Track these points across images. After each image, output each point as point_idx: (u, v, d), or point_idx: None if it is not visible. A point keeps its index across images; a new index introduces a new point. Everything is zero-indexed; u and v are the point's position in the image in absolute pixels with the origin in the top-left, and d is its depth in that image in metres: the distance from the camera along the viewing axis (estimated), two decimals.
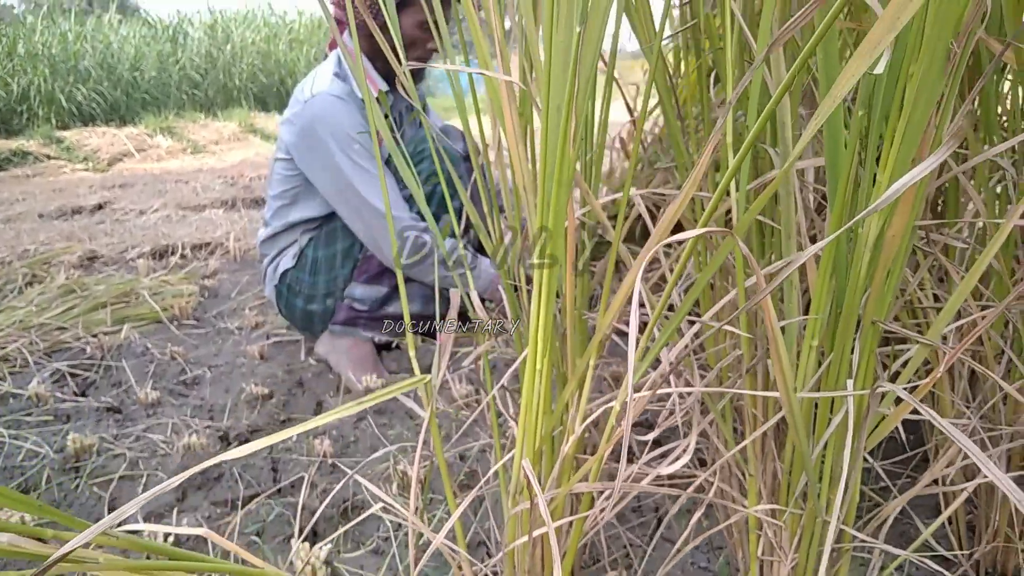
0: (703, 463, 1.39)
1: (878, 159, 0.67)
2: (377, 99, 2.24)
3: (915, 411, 0.77)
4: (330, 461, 1.68)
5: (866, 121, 0.65)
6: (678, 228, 1.46)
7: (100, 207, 5.13)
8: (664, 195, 1.00)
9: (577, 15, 0.60)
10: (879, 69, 0.48)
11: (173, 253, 3.66)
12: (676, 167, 0.99)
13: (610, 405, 0.76)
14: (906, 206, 0.64)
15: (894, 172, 0.62)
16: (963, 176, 0.83)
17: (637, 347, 0.72)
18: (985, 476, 0.95)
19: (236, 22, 12.74)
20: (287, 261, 2.33)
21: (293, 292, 2.33)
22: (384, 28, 2.15)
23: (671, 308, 1.05)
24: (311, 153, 2.16)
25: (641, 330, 0.80)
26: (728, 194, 0.86)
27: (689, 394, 0.85)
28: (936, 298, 1.06)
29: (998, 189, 1.11)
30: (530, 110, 0.89)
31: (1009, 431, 0.90)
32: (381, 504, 0.85)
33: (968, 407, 1.07)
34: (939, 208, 1.25)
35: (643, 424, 1.65)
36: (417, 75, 2.35)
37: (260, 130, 9.66)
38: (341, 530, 1.14)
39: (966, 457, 1.01)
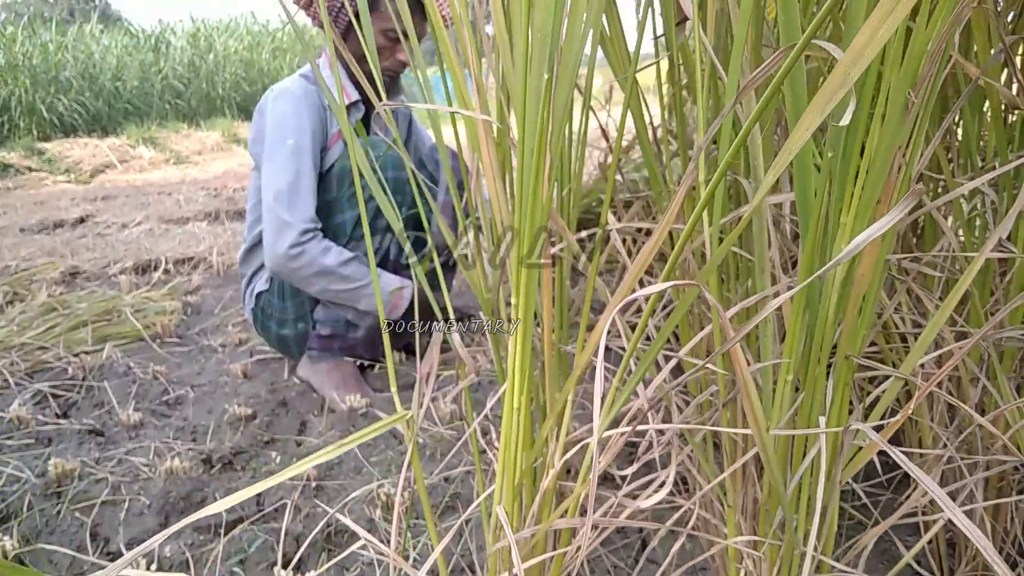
0: (685, 482, 1.39)
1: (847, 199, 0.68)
2: (349, 107, 2.19)
3: (893, 439, 0.78)
4: (314, 484, 1.67)
5: (836, 162, 0.66)
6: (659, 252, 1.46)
7: (82, 220, 5.10)
8: (641, 229, 1.00)
9: (547, 62, 0.60)
10: (845, 121, 0.49)
11: (156, 268, 3.64)
12: (653, 195, 1.00)
13: (588, 440, 0.76)
14: (873, 247, 0.65)
15: (858, 215, 0.63)
16: (936, 212, 0.84)
17: (614, 378, 0.72)
18: (963, 505, 0.96)
19: (219, 31, 12.71)
20: (261, 283, 2.30)
21: (267, 315, 2.30)
22: (347, 36, 2.10)
23: (648, 339, 1.06)
24: (257, 146, 2.17)
25: (618, 361, 0.80)
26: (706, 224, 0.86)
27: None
28: (914, 323, 1.06)
29: (979, 205, 1.12)
30: (508, 142, 0.89)
31: (984, 459, 0.91)
32: (362, 541, 0.85)
33: (947, 429, 1.08)
34: (919, 230, 1.26)
35: (628, 445, 1.65)
36: (391, 86, 2.29)
37: (243, 140, 9.63)
38: (323, 567, 1.14)
39: (944, 484, 1.01)
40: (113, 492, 1.69)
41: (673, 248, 1.07)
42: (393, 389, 0.86)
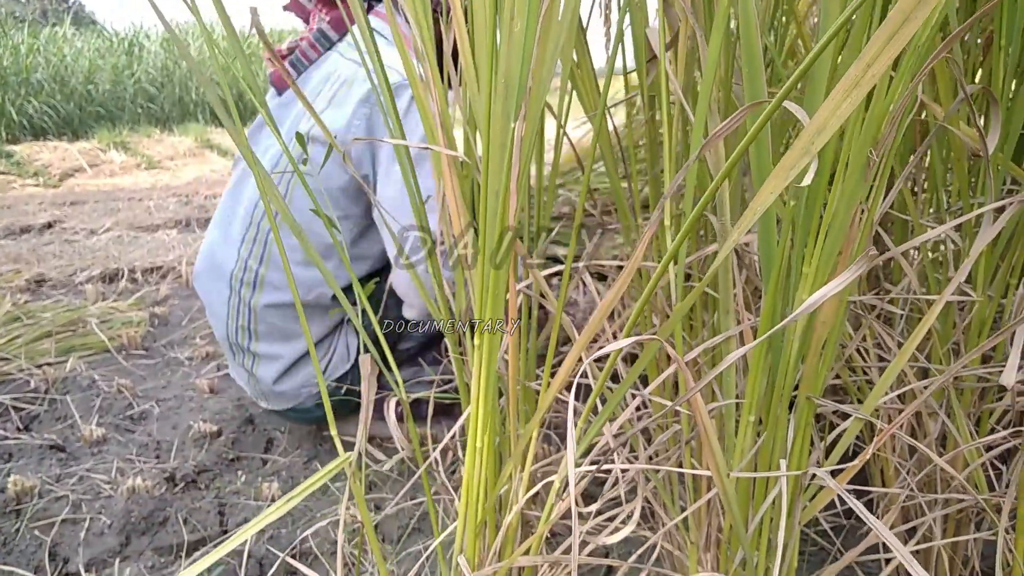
0: (653, 514, 1.40)
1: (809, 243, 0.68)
2: None
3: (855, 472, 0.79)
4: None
5: (799, 211, 0.67)
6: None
7: (50, 226, 5.02)
8: (603, 266, 1.01)
9: (513, 113, 0.60)
10: (806, 182, 0.50)
11: (123, 277, 3.59)
12: (622, 229, 1.00)
13: (551, 480, 0.76)
14: (833, 298, 0.65)
15: (820, 266, 0.64)
16: (901, 256, 0.85)
17: (579, 418, 0.72)
18: (922, 541, 0.97)
19: (194, 35, 12.60)
20: (342, 367, 1.81)
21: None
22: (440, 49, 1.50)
23: (616, 378, 1.06)
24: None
25: (584, 395, 0.81)
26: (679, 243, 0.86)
27: (634, 461, 0.85)
28: (878, 356, 1.08)
29: (942, 247, 1.13)
30: (475, 175, 0.89)
31: (943, 497, 0.92)
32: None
33: (908, 460, 1.09)
34: (887, 265, 1.28)
35: (593, 478, 1.65)
36: None
37: (216, 145, 9.54)
38: None
39: (905, 520, 1.03)
40: (74, 510, 1.67)
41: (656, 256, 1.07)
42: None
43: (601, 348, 1.07)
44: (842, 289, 0.61)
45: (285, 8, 1.80)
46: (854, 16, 0.65)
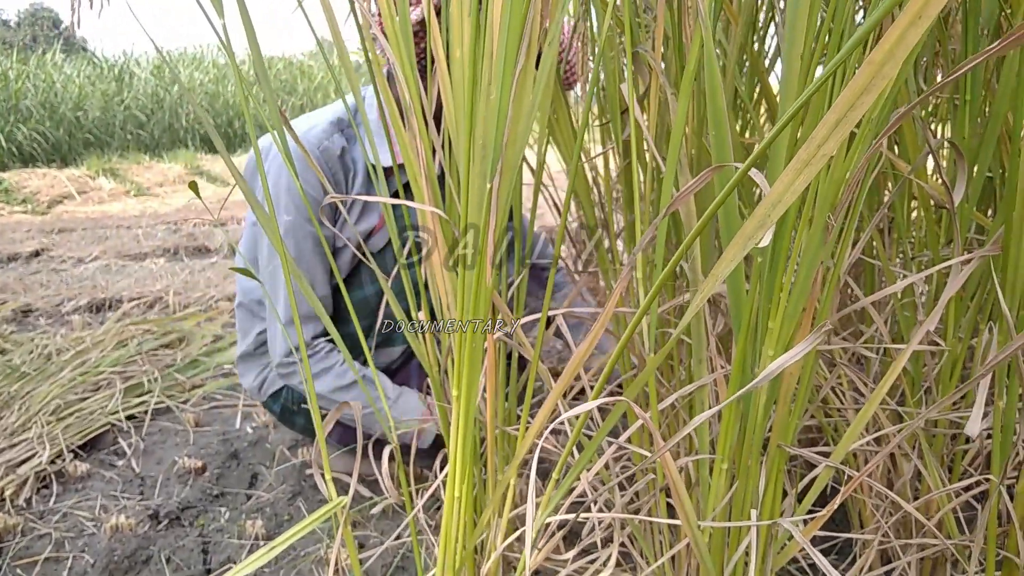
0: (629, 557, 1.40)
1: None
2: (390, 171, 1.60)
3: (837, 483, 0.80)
4: (262, 543, 1.65)
5: (766, 265, 0.68)
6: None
7: (37, 254, 5.02)
8: (578, 316, 1.03)
9: (489, 172, 0.62)
10: (764, 243, 0.51)
11: (111, 308, 3.59)
12: (600, 271, 1.02)
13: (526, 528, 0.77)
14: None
15: (784, 321, 0.66)
16: (871, 307, 0.87)
17: (554, 470, 0.73)
18: None
19: (184, 62, 12.67)
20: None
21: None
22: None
23: (595, 421, 1.07)
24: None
25: (562, 440, 0.82)
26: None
27: (610, 507, 0.87)
28: (853, 399, 1.09)
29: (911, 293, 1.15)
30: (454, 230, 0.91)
31: (916, 543, 0.93)
32: None
33: (884, 501, 1.11)
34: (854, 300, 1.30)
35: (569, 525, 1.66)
36: None
37: (206, 172, 9.56)
38: None
39: (886, 560, 1.04)
40: (56, 548, 1.66)
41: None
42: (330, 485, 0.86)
43: (578, 388, 1.08)
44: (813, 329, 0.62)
45: None
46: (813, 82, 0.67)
